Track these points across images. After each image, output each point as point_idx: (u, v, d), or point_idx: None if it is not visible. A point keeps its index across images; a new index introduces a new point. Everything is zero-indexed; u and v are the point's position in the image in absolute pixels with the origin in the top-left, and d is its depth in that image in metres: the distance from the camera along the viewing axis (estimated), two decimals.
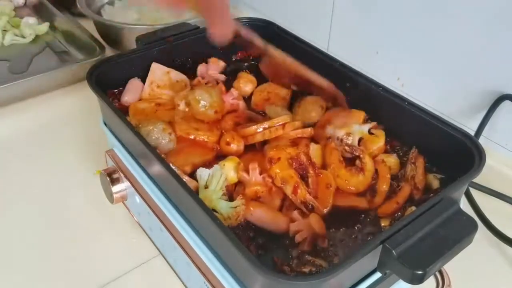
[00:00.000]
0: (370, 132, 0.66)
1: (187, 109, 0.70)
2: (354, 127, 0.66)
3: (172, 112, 0.70)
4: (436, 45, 0.80)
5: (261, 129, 0.65)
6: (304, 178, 0.60)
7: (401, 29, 0.85)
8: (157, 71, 0.75)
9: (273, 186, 0.59)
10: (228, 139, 0.65)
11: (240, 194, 0.59)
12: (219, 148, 0.66)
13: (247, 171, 0.60)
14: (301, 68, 0.70)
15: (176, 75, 0.76)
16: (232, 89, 0.75)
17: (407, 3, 0.82)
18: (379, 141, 0.65)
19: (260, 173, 0.60)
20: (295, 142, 0.66)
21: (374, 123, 0.67)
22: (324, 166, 0.63)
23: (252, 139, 0.65)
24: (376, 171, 0.62)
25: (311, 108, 0.71)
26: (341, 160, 0.62)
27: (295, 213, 0.56)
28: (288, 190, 0.58)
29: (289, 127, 0.66)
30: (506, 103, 0.74)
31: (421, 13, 0.80)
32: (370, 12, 0.89)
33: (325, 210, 0.58)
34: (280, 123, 0.65)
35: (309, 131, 0.67)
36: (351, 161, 0.63)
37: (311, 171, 0.61)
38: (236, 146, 0.65)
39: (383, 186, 0.60)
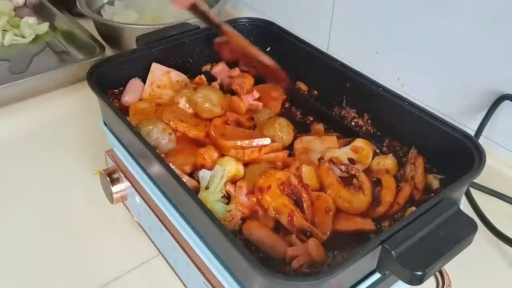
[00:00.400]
0: (354, 150, 0.65)
1: (187, 106, 0.70)
2: (336, 152, 0.65)
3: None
4: (436, 45, 0.80)
5: (239, 143, 0.63)
6: (298, 202, 0.57)
7: (401, 29, 0.85)
8: (157, 71, 0.75)
9: (260, 211, 0.57)
10: (203, 155, 0.63)
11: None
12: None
13: (235, 184, 0.59)
14: (250, 47, 0.72)
15: (176, 75, 0.76)
16: (254, 91, 0.75)
17: (407, 3, 0.82)
18: (369, 153, 0.65)
19: (247, 193, 0.57)
20: (285, 164, 0.63)
21: (351, 141, 0.66)
22: (321, 188, 0.60)
23: (226, 152, 0.63)
24: (380, 181, 0.60)
25: (285, 131, 0.67)
26: (339, 180, 0.60)
27: (293, 237, 0.53)
28: (284, 220, 0.55)
29: (267, 149, 0.63)
30: (506, 103, 0.74)
31: (421, 13, 0.80)
32: (370, 12, 0.89)
33: (325, 237, 0.54)
34: (259, 145, 0.63)
35: (281, 156, 0.64)
36: (346, 181, 0.61)
37: (304, 195, 0.57)
38: (210, 161, 0.62)
39: (387, 198, 0.58)
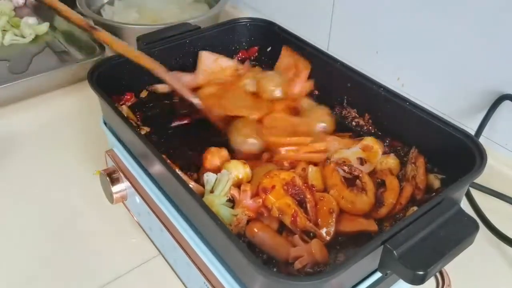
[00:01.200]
0: (363, 149, 0.65)
1: (248, 88, 0.73)
2: (345, 153, 0.64)
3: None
4: (436, 45, 0.80)
5: (285, 150, 0.63)
6: (302, 203, 0.57)
7: (401, 29, 0.85)
8: (206, 60, 0.77)
9: (265, 213, 0.56)
10: (209, 156, 0.63)
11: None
12: None
13: (239, 188, 0.58)
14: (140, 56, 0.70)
15: (225, 62, 0.79)
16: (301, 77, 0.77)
17: (407, 3, 0.82)
18: (378, 151, 0.64)
19: (252, 196, 0.57)
20: (292, 165, 0.63)
21: (360, 140, 0.66)
22: (324, 188, 0.60)
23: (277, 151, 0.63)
24: (384, 182, 0.60)
25: (323, 119, 0.69)
26: (343, 181, 0.59)
27: (296, 238, 0.53)
28: (287, 220, 0.54)
29: (308, 149, 0.64)
30: (506, 103, 0.74)
31: (421, 13, 0.80)
32: (370, 12, 0.89)
33: (328, 238, 0.54)
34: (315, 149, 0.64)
35: (323, 157, 0.63)
36: (350, 182, 0.60)
37: (308, 196, 0.57)
38: (218, 162, 0.62)
39: (390, 199, 0.58)
